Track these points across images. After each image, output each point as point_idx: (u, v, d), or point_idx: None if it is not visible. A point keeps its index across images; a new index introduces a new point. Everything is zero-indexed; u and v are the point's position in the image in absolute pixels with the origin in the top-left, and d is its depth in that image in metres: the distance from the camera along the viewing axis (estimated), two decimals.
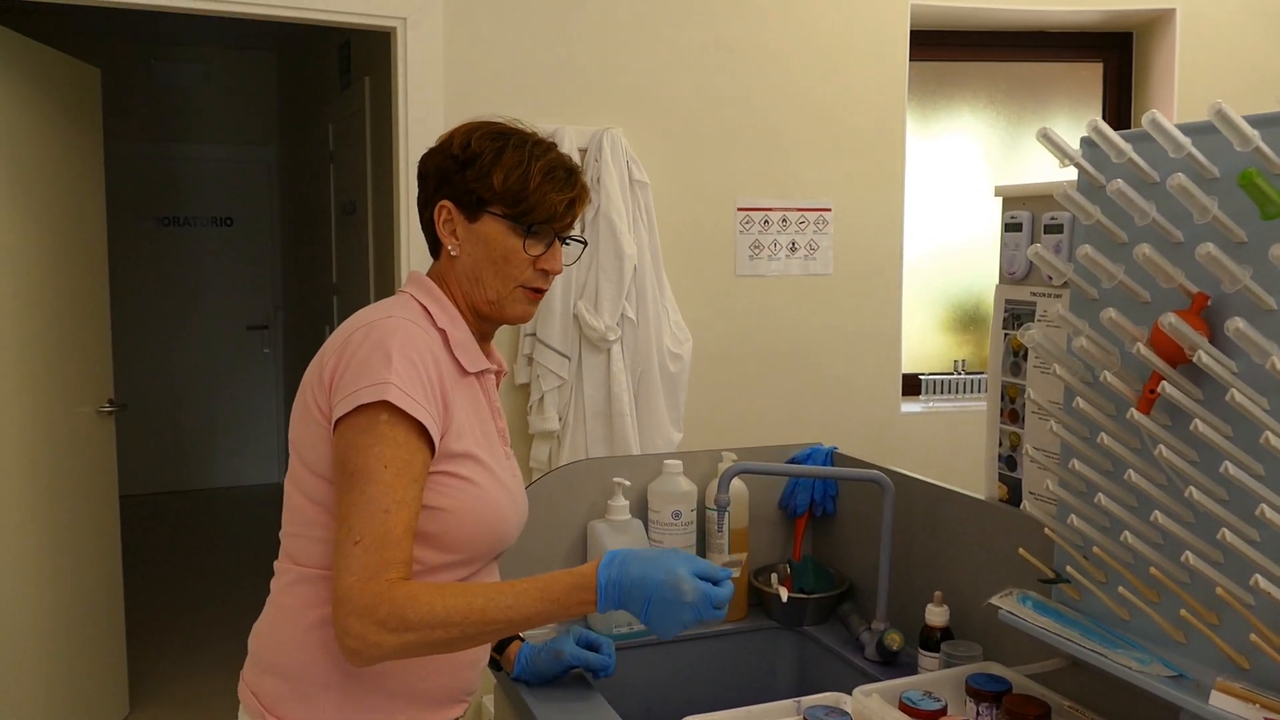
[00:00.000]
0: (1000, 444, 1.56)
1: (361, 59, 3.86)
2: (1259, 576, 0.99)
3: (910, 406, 3.44)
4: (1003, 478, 1.56)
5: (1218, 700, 1.03)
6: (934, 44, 3.46)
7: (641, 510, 1.87)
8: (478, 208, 1.29)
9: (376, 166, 3.56)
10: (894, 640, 1.66)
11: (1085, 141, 1.23)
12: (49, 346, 2.92)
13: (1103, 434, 1.15)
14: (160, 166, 6.22)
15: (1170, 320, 1.03)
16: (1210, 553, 1.09)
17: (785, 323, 3.19)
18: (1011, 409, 1.54)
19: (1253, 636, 1.03)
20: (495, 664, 1.56)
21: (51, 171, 2.95)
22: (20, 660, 2.78)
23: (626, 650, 1.74)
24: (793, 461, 1.97)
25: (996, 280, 1.56)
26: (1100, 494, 1.17)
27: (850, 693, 1.33)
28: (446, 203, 1.30)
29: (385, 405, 1.13)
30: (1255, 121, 1.02)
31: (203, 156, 6.33)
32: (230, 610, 4.39)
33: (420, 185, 1.35)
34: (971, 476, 1.66)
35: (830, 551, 1.99)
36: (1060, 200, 1.19)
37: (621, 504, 1.81)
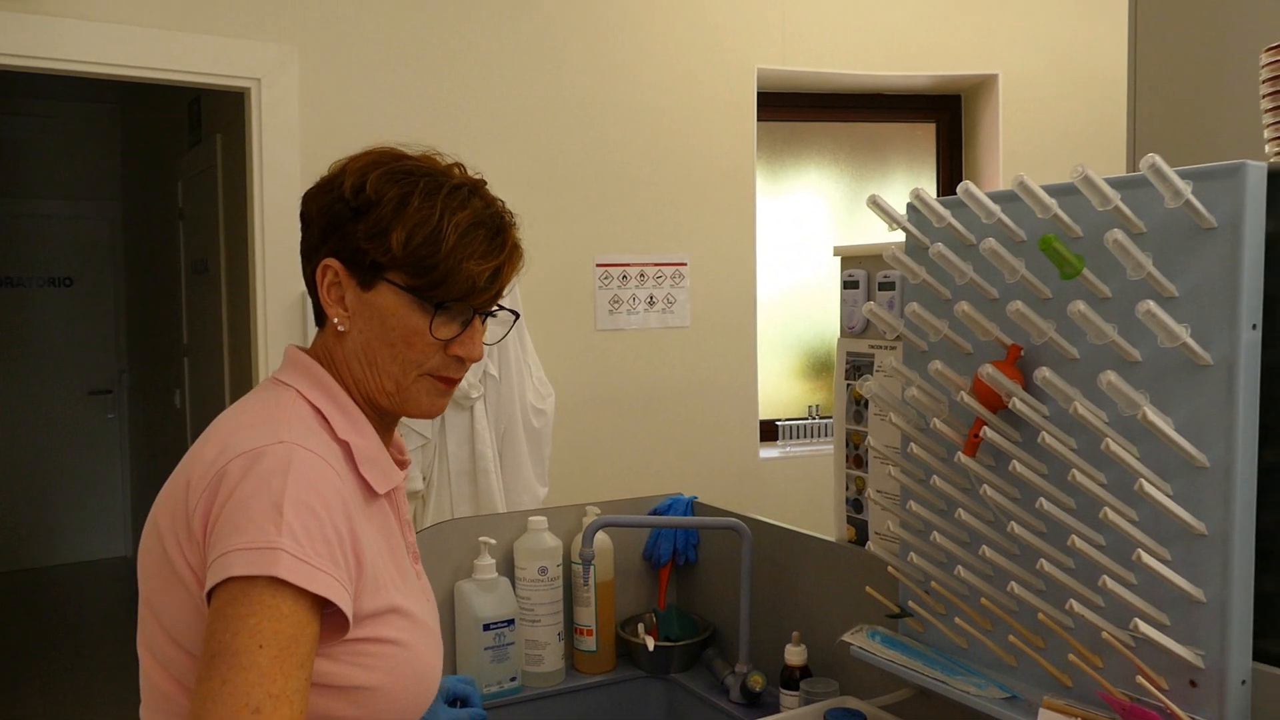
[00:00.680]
0: (847, 488, 1.65)
1: (212, 115, 3.78)
2: (1074, 601, 1.08)
3: (769, 452, 3.56)
4: (851, 519, 1.65)
5: (1045, 717, 1.12)
6: (781, 105, 3.64)
7: (509, 568, 1.89)
8: (372, 273, 0.99)
9: (230, 224, 3.48)
10: (756, 682, 1.71)
11: (910, 207, 1.34)
12: None
13: (935, 476, 1.24)
14: None
15: (988, 371, 1.13)
16: (1033, 582, 1.18)
17: (646, 375, 3.26)
18: (856, 455, 1.63)
19: (1071, 656, 1.12)
20: None
21: None
22: None
23: (496, 709, 1.74)
24: (654, 513, 2.01)
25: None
26: (935, 532, 1.26)
27: None
28: (333, 262, 1.00)
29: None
30: (1054, 191, 1.13)
31: (39, 213, 6.02)
32: (71, 698, 4.13)
33: (303, 231, 1.05)
34: (828, 518, 1.74)
35: (694, 598, 2.04)
36: (890, 261, 1.29)
37: (488, 563, 1.82)
